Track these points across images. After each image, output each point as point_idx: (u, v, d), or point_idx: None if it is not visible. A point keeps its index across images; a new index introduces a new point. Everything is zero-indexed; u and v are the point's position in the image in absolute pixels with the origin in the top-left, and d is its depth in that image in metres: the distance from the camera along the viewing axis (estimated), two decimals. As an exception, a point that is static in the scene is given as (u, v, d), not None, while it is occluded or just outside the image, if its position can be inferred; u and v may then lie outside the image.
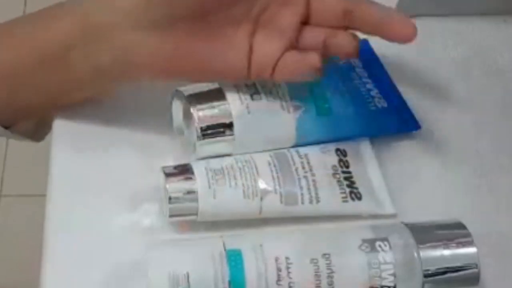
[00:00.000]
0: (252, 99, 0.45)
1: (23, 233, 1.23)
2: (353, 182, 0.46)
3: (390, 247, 0.40)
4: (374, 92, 0.50)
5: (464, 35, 0.57)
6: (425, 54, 0.55)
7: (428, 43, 0.56)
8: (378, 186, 0.47)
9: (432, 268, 0.40)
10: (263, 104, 0.45)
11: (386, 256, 0.40)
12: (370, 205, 0.46)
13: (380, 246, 0.40)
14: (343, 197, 0.45)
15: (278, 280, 0.39)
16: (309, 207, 0.44)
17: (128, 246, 0.43)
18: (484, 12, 0.58)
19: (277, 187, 0.44)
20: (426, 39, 0.56)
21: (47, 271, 0.42)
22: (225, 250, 0.39)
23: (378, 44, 0.53)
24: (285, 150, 0.46)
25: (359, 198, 0.45)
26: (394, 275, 0.39)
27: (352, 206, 0.45)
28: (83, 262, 0.43)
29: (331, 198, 0.45)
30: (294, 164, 0.45)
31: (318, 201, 0.44)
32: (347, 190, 0.45)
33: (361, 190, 0.46)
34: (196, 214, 0.43)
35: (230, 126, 0.44)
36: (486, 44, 0.57)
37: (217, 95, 0.45)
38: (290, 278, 0.39)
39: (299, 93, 0.47)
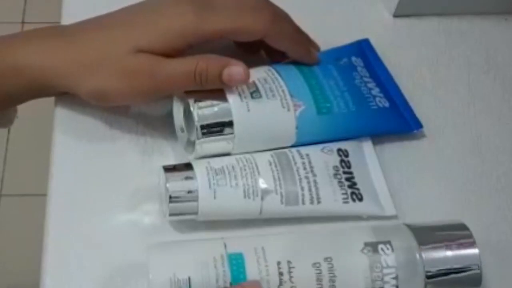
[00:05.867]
0: (252, 97, 0.45)
1: (23, 233, 1.23)
2: (354, 183, 0.46)
3: (393, 250, 0.39)
4: (376, 91, 0.50)
5: (465, 35, 0.57)
6: (426, 54, 0.55)
7: (429, 43, 0.56)
8: (379, 187, 0.47)
9: (434, 270, 0.40)
10: (263, 102, 0.45)
11: (388, 259, 0.39)
12: (371, 206, 0.45)
13: (382, 249, 0.40)
14: (344, 198, 0.45)
15: (280, 284, 0.39)
16: (310, 207, 0.44)
17: (129, 245, 0.43)
18: (485, 11, 0.58)
19: (278, 187, 0.43)
20: (427, 39, 0.56)
21: (47, 271, 0.42)
22: (226, 253, 0.39)
23: (379, 44, 0.53)
24: (287, 150, 0.46)
25: (360, 199, 0.45)
26: (396, 278, 0.39)
27: (353, 207, 0.45)
28: (83, 262, 0.43)
29: (332, 198, 0.45)
30: (296, 164, 0.45)
31: (319, 202, 0.44)
32: (348, 191, 0.45)
33: (362, 191, 0.45)
34: (196, 213, 0.43)
35: (230, 124, 0.44)
36: (487, 43, 0.57)
37: (218, 93, 0.45)
38: (292, 282, 0.39)
39: (300, 91, 0.46)
